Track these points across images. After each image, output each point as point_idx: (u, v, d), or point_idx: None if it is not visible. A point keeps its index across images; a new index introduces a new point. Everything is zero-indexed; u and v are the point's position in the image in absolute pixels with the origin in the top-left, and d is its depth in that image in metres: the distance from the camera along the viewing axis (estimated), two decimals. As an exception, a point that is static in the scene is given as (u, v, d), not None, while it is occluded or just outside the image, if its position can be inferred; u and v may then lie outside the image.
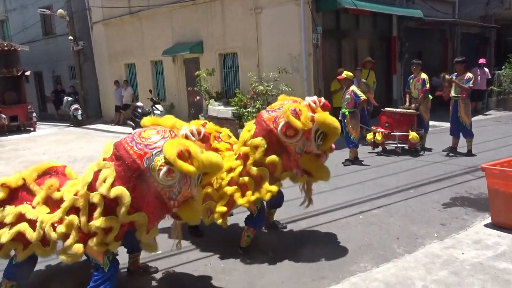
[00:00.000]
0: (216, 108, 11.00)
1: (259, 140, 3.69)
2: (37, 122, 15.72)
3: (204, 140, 3.19)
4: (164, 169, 2.77)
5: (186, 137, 3.02)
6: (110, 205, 2.88)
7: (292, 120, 3.53)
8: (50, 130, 15.45)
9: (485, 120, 11.74)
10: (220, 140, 4.17)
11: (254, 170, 3.67)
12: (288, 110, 3.58)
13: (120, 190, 2.81)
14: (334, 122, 3.68)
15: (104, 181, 2.84)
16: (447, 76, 7.54)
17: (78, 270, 3.70)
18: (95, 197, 2.88)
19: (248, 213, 3.93)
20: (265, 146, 3.67)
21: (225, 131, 4.34)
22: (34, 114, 15.56)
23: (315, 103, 3.75)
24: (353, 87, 7.15)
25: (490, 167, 4.17)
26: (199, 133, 3.12)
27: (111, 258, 3.06)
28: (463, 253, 3.63)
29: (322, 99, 3.82)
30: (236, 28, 11.12)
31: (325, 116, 3.66)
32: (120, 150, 2.90)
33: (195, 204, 3.08)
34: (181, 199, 2.97)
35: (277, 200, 4.23)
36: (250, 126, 3.97)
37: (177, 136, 3.00)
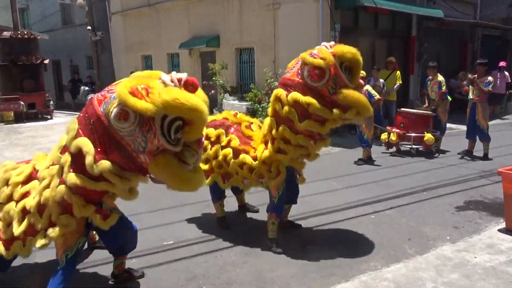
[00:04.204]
0: (231, 103, 11.02)
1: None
2: (54, 110, 15.95)
3: (188, 88, 2.50)
4: (115, 109, 2.38)
5: (164, 83, 2.46)
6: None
7: (313, 61, 3.39)
8: (67, 118, 15.65)
9: (502, 125, 11.55)
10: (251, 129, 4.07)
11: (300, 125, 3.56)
12: (305, 54, 3.49)
13: (81, 141, 2.50)
14: (352, 50, 3.53)
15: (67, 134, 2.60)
16: (469, 76, 7.46)
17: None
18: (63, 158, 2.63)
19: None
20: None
21: (256, 121, 4.28)
22: (52, 102, 15.78)
23: (329, 46, 3.60)
24: (368, 87, 7.05)
25: (507, 172, 4.11)
26: (179, 80, 2.49)
27: (69, 256, 2.78)
28: (475, 257, 3.60)
29: (332, 42, 3.67)
30: (253, 23, 11.10)
31: (342, 47, 3.52)
32: (88, 101, 2.60)
33: (168, 158, 2.49)
34: (151, 151, 2.49)
35: (294, 194, 4.17)
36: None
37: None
